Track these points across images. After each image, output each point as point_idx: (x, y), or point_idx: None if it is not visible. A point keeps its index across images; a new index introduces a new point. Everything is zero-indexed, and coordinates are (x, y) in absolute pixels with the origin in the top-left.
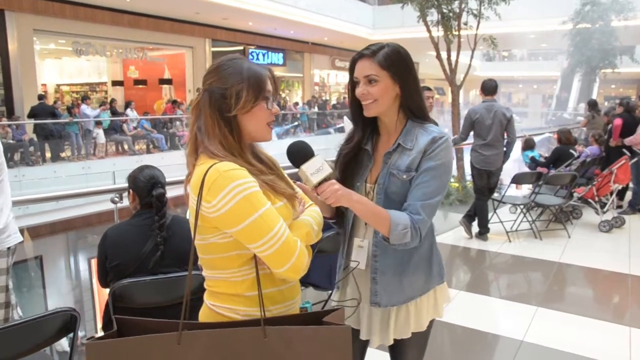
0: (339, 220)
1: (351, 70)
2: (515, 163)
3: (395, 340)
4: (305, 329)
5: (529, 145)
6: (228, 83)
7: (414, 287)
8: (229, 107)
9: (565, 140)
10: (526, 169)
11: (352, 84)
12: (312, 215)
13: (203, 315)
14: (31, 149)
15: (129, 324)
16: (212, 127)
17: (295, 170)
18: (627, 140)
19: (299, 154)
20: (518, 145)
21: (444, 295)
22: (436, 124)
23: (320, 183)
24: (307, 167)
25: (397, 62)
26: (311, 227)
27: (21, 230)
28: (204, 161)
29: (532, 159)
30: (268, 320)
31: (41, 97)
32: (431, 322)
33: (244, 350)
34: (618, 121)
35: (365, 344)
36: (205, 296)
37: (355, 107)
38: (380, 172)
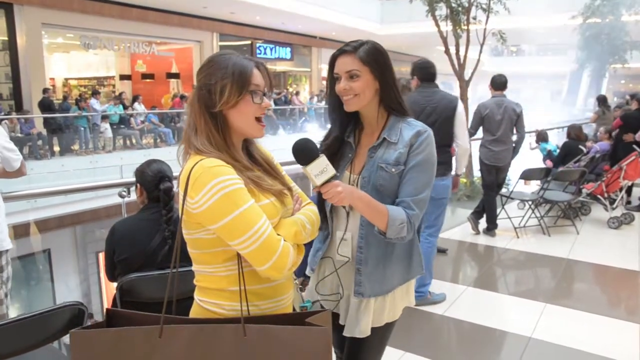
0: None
1: (331, 66)
2: (524, 158)
3: (352, 339)
4: (285, 328)
5: (542, 137)
6: (213, 78)
7: (394, 278)
8: (214, 102)
9: (575, 136)
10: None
11: (332, 81)
12: (306, 214)
13: (193, 311)
14: (39, 142)
15: (120, 315)
16: (199, 123)
17: (298, 167)
18: (638, 136)
19: (304, 153)
20: (528, 141)
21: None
22: None
23: (323, 184)
24: (312, 168)
25: (377, 58)
26: (302, 225)
27: (29, 224)
28: (192, 157)
29: (550, 152)
30: (250, 318)
31: (45, 90)
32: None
33: (224, 347)
34: (617, 122)
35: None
36: (195, 292)
37: (333, 104)
38: (365, 165)
